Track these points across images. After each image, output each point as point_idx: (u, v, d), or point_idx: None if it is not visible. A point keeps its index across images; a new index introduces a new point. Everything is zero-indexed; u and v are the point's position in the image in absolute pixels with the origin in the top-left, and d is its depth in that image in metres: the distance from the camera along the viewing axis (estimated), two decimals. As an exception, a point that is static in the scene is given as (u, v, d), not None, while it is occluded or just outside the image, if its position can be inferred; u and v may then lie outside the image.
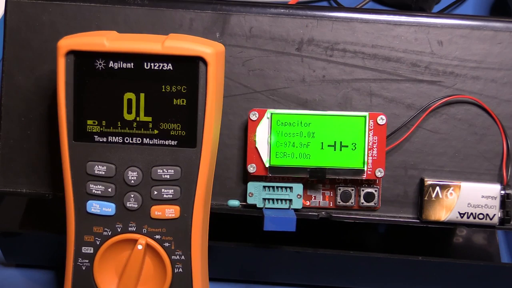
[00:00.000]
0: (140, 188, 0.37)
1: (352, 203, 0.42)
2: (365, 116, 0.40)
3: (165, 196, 0.37)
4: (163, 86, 0.36)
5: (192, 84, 0.36)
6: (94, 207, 0.37)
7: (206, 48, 0.36)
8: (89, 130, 0.37)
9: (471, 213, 0.41)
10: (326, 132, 0.40)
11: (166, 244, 0.38)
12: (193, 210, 0.37)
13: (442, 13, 0.55)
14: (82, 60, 0.36)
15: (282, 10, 0.42)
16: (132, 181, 0.37)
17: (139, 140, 0.37)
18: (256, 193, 0.41)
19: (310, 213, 0.42)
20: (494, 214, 0.41)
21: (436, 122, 0.42)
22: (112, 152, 0.37)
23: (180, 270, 0.38)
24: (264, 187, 0.41)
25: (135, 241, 0.38)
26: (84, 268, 0.38)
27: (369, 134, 0.40)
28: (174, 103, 0.36)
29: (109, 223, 0.38)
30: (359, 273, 0.46)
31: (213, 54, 0.36)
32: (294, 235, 0.41)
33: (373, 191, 0.42)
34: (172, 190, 0.37)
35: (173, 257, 0.38)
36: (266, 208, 0.41)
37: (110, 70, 0.36)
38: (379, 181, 0.42)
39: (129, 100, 0.36)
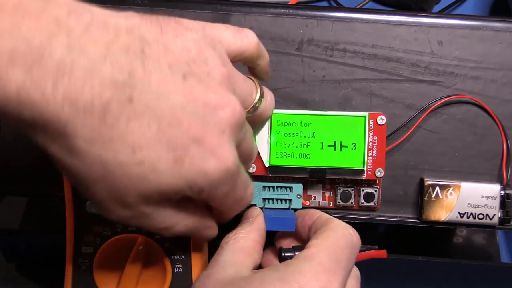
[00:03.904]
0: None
1: (352, 203, 0.42)
2: (365, 116, 0.40)
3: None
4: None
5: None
6: (94, 206, 0.37)
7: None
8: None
9: (471, 213, 0.41)
10: (326, 132, 0.40)
11: (166, 244, 0.38)
12: (193, 210, 0.37)
13: (442, 13, 0.55)
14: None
15: (282, 10, 0.42)
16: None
17: None
18: (256, 193, 0.41)
19: (310, 213, 0.42)
20: (494, 214, 0.41)
21: (436, 122, 0.42)
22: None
23: (180, 270, 0.38)
24: (264, 187, 0.41)
25: (135, 241, 0.38)
26: (84, 268, 0.38)
27: (369, 134, 0.40)
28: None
29: (109, 222, 0.38)
30: (359, 273, 0.46)
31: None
32: (294, 233, 0.41)
33: (373, 191, 0.42)
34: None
35: (173, 257, 0.38)
36: (266, 208, 0.41)
37: None
38: (379, 181, 0.42)
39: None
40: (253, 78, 0.34)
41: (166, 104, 0.27)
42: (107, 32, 0.27)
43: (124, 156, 0.27)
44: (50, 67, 0.25)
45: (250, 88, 0.33)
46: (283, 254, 0.34)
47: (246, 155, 0.34)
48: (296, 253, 0.34)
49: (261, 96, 0.33)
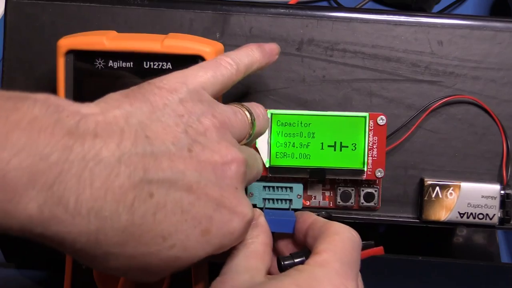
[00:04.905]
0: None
1: (352, 203, 0.42)
2: (365, 117, 0.40)
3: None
4: (163, 86, 0.36)
5: (192, 84, 0.36)
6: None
7: (205, 47, 0.36)
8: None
9: (471, 213, 0.41)
10: (326, 132, 0.40)
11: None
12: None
13: (442, 13, 0.55)
14: (81, 59, 0.36)
15: (282, 10, 0.42)
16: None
17: None
18: (256, 193, 0.41)
19: (310, 213, 0.42)
20: (494, 214, 0.41)
21: (436, 122, 0.42)
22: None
23: (180, 269, 0.38)
24: (264, 187, 0.41)
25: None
26: (84, 268, 0.38)
27: (369, 134, 0.40)
28: (174, 103, 0.36)
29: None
30: (359, 273, 0.46)
31: (212, 52, 0.36)
32: (292, 235, 0.41)
33: (373, 191, 0.42)
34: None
35: (173, 257, 0.38)
36: (266, 208, 0.41)
37: (110, 69, 0.36)
38: (379, 181, 0.42)
39: (129, 100, 0.36)
40: (239, 105, 0.34)
41: (183, 184, 0.28)
42: (113, 131, 0.27)
43: (156, 245, 0.28)
44: (70, 182, 0.25)
45: (242, 121, 0.33)
46: (282, 263, 0.34)
47: (253, 179, 0.35)
48: (295, 260, 0.34)
49: (253, 120, 0.34)
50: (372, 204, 0.42)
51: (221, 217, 0.30)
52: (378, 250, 0.36)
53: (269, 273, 0.34)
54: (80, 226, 0.26)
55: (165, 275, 0.30)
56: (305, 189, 0.42)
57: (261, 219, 0.36)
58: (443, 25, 0.42)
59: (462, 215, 0.41)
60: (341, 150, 0.40)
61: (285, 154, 0.40)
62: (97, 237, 0.26)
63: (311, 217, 0.36)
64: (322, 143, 0.40)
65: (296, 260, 0.34)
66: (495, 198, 0.41)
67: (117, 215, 0.26)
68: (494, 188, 0.41)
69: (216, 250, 0.31)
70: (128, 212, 0.27)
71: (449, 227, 0.42)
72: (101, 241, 0.27)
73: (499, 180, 0.42)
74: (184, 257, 0.29)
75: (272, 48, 0.37)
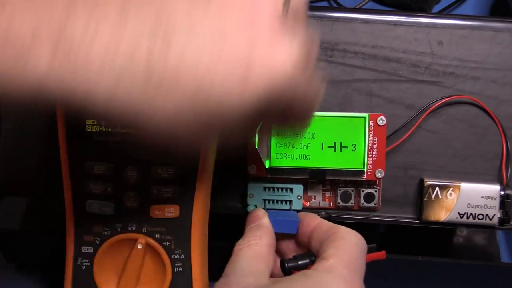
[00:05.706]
0: (140, 187, 0.37)
1: (352, 203, 0.42)
2: (365, 117, 0.40)
3: (164, 195, 0.37)
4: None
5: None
6: (94, 206, 0.37)
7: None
8: (88, 130, 0.37)
9: (471, 214, 0.41)
10: (326, 133, 0.40)
11: (166, 243, 0.38)
12: (192, 209, 0.37)
13: (442, 14, 0.55)
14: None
15: (282, 10, 0.42)
16: (132, 180, 0.37)
17: (138, 139, 0.37)
18: (257, 194, 0.41)
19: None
20: (494, 215, 0.41)
21: (436, 123, 0.42)
22: (111, 151, 0.37)
23: (180, 269, 0.38)
24: (265, 188, 0.41)
25: (135, 241, 0.38)
26: (84, 268, 0.38)
27: (369, 135, 0.40)
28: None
29: (108, 222, 0.38)
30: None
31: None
32: (294, 235, 0.41)
33: (373, 192, 0.42)
34: (172, 189, 0.37)
35: (173, 256, 0.38)
36: (268, 209, 0.41)
37: None
38: (379, 182, 0.42)
39: (129, 99, 0.36)
40: None
41: (200, 33, 0.24)
42: None
43: (190, 88, 0.24)
44: (78, 34, 0.24)
45: None
46: (286, 265, 0.34)
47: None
48: (299, 262, 0.34)
49: None
50: (372, 204, 0.42)
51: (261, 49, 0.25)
52: (381, 255, 0.36)
53: (271, 274, 0.34)
54: (96, 76, 0.24)
55: (217, 127, 0.26)
56: (305, 190, 0.42)
57: (265, 220, 0.36)
58: (443, 26, 0.42)
59: (462, 215, 0.41)
60: (341, 150, 0.40)
61: (285, 155, 0.40)
62: (118, 88, 0.24)
63: (315, 220, 0.36)
64: (322, 144, 0.40)
65: (300, 263, 0.34)
66: (495, 198, 0.41)
67: (135, 64, 0.24)
68: (494, 189, 0.41)
69: (256, 100, 0.25)
70: (146, 63, 0.24)
71: (449, 227, 0.42)
72: (121, 95, 0.24)
73: (499, 180, 0.42)
74: (226, 99, 0.25)
75: None
